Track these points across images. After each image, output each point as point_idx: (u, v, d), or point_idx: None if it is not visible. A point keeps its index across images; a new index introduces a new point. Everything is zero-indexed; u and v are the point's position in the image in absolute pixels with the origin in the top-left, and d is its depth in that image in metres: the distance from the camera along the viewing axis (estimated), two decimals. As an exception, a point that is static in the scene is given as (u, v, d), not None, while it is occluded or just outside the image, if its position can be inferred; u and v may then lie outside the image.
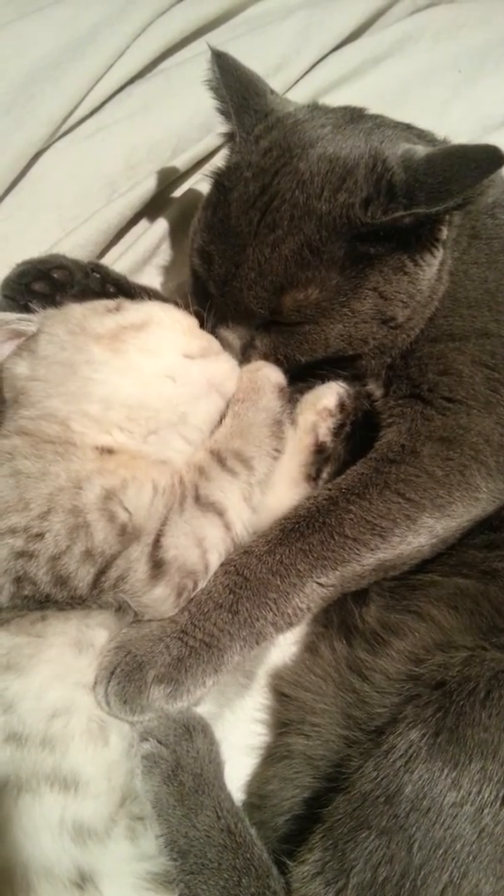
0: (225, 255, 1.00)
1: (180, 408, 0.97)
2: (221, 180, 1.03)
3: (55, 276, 1.11)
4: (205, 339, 1.03)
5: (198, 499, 0.91)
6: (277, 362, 1.05)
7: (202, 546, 0.90)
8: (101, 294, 1.12)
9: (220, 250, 1.00)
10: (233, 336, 1.05)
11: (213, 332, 1.05)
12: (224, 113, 1.09)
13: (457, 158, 0.89)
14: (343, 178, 0.94)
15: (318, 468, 1.03)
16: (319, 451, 1.02)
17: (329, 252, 0.95)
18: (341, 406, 1.07)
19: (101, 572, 0.85)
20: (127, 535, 0.86)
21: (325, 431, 1.04)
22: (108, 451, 0.93)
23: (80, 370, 0.95)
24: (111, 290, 1.16)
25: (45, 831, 0.76)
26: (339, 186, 0.94)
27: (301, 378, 1.08)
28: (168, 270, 1.34)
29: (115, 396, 0.94)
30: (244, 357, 1.06)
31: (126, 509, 0.87)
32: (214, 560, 0.92)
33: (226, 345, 1.05)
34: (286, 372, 1.05)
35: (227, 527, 0.92)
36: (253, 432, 0.98)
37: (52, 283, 1.10)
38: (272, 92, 1.12)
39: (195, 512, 0.90)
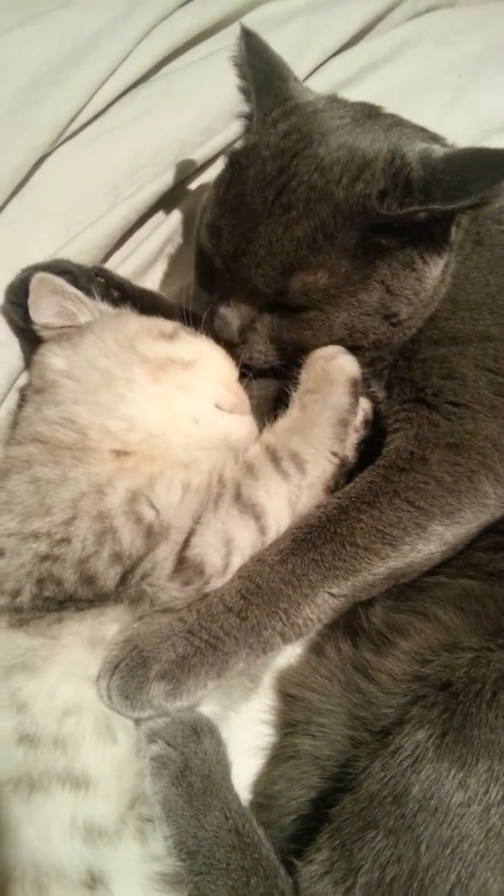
0: (235, 231, 0.99)
1: (193, 452, 0.98)
2: (237, 158, 1.03)
3: None
4: (238, 397, 1.05)
5: (238, 497, 0.91)
6: (277, 347, 1.05)
7: (228, 547, 0.90)
8: (105, 299, 1.12)
9: (231, 225, 1.00)
10: (233, 314, 1.04)
11: (214, 310, 1.05)
12: (245, 92, 1.09)
13: (475, 159, 0.90)
14: (362, 169, 0.95)
15: (336, 480, 1.03)
16: (342, 464, 1.02)
17: (342, 239, 0.95)
18: (366, 422, 1.07)
19: (129, 571, 0.86)
20: (154, 535, 0.86)
21: (350, 446, 1.03)
22: (124, 454, 0.94)
23: (115, 385, 0.96)
24: (115, 294, 1.16)
25: (56, 831, 0.77)
26: (358, 176, 0.94)
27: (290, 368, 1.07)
28: (172, 274, 1.35)
29: (139, 420, 0.96)
30: (241, 339, 1.05)
31: (153, 507, 0.88)
32: (237, 563, 0.92)
33: (225, 323, 1.04)
34: (281, 360, 1.05)
35: (262, 531, 0.93)
36: (315, 432, 0.97)
37: None
38: (295, 79, 1.12)
39: (232, 511, 0.90)
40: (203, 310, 1.10)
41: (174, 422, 0.98)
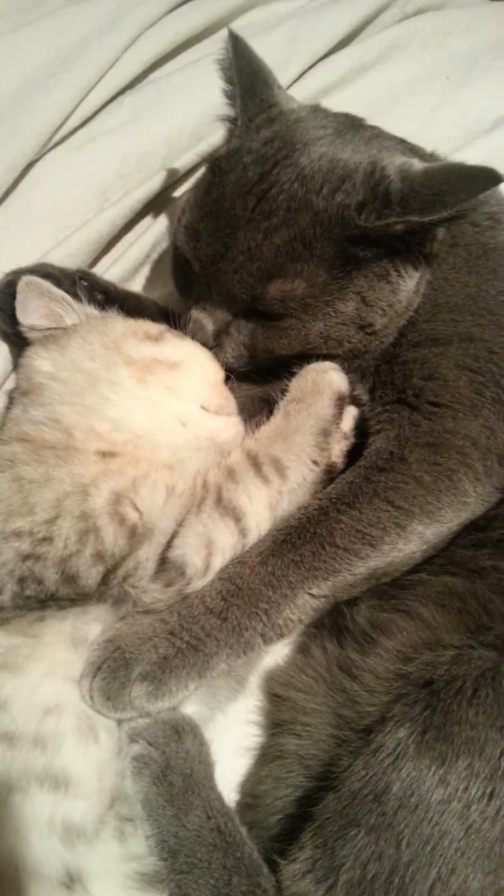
0: (214, 235, 0.99)
1: (180, 453, 0.98)
2: (219, 162, 1.03)
3: None
4: (224, 398, 1.06)
5: (219, 501, 0.92)
6: (251, 353, 1.05)
7: (209, 548, 0.90)
8: (90, 302, 1.12)
9: (210, 230, 1.00)
10: (208, 319, 1.05)
11: (188, 313, 1.06)
12: (229, 96, 1.10)
13: (453, 173, 0.91)
14: (342, 180, 0.96)
15: (324, 486, 1.03)
16: (330, 471, 1.02)
17: (320, 248, 0.96)
18: (354, 429, 1.07)
19: (111, 571, 0.86)
20: (137, 535, 0.87)
21: (338, 453, 1.04)
22: (110, 455, 0.94)
23: (100, 387, 0.97)
24: (99, 297, 1.17)
25: (34, 831, 0.77)
26: (338, 187, 0.95)
27: (268, 372, 1.09)
28: (159, 278, 1.35)
29: (125, 422, 0.96)
30: (216, 343, 1.06)
31: (137, 509, 0.88)
32: (217, 564, 0.92)
33: (199, 328, 1.05)
34: (254, 366, 1.06)
35: (243, 533, 0.93)
36: (297, 439, 0.98)
37: None
38: (279, 87, 1.13)
39: (212, 513, 0.91)
40: (181, 287, 1.11)
41: (160, 423, 0.99)
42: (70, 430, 0.95)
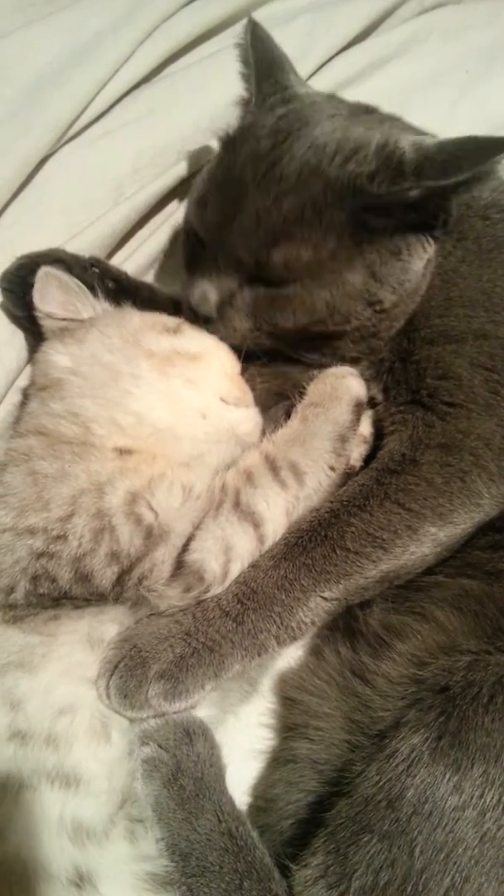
0: (223, 202, 1.00)
1: (201, 446, 0.98)
2: (232, 138, 1.04)
3: None
4: (242, 391, 1.05)
5: (237, 505, 0.91)
6: (255, 325, 1.04)
7: (228, 555, 0.89)
8: (101, 288, 1.12)
9: (219, 198, 1.01)
10: (211, 288, 1.04)
11: (193, 282, 1.06)
12: (246, 78, 1.12)
13: (467, 141, 0.92)
14: (355, 150, 0.96)
15: (338, 488, 1.01)
16: (348, 474, 1.01)
17: (330, 216, 0.96)
18: (372, 433, 1.07)
19: (126, 572, 0.85)
20: (153, 536, 0.86)
21: (357, 457, 1.03)
22: (127, 452, 0.94)
23: (122, 380, 0.96)
24: (110, 285, 1.16)
25: (43, 829, 0.77)
26: (351, 157, 0.96)
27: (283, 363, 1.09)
28: (173, 273, 1.34)
29: (148, 415, 0.96)
30: (220, 316, 1.05)
31: (152, 509, 0.87)
32: (235, 570, 0.91)
33: (202, 297, 1.04)
34: (256, 342, 1.06)
35: (261, 540, 0.92)
36: (315, 444, 0.97)
37: None
38: (296, 73, 1.14)
39: (231, 518, 0.90)
40: (190, 263, 1.11)
41: (182, 417, 0.98)
42: (89, 425, 0.95)
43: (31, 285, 1.05)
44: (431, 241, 1.01)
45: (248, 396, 1.06)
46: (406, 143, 0.94)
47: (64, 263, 1.11)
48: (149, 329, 1.02)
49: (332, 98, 1.10)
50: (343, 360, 1.07)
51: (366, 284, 0.99)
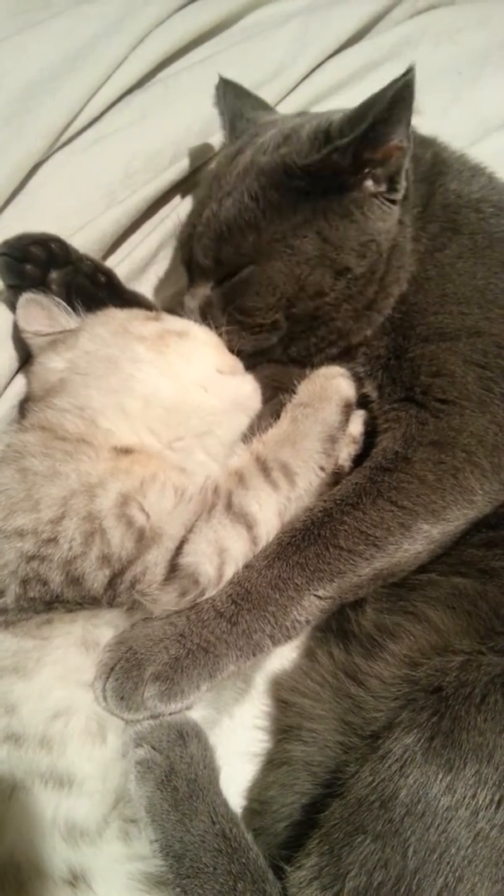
0: (189, 224, 1.12)
1: (208, 418, 1.00)
2: (206, 176, 1.14)
3: (52, 246, 1.13)
4: (233, 359, 1.07)
5: (230, 507, 0.91)
6: (230, 318, 1.08)
7: (221, 557, 0.89)
8: (92, 280, 1.17)
9: (187, 222, 1.13)
10: (190, 298, 1.12)
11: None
12: (222, 125, 1.25)
13: (372, 96, 0.96)
14: (288, 136, 1.04)
15: (329, 488, 1.02)
16: (337, 474, 1.02)
17: (267, 198, 1.03)
18: (363, 433, 1.08)
19: (117, 575, 0.85)
20: (145, 539, 0.86)
21: (345, 457, 1.04)
22: (125, 452, 0.94)
23: (123, 366, 0.99)
24: (102, 279, 1.18)
25: (36, 829, 0.77)
26: (283, 143, 1.04)
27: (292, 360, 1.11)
28: (166, 279, 1.35)
29: (154, 396, 0.98)
30: (204, 319, 1.09)
31: (144, 511, 0.87)
32: (230, 573, 0.91)
33: (188, 311, 1.11)
34: (239, 334, 1.08)
35: (254, 541, 0.92)
36: (305, 445, 0.97)
37: (48, 252, 1.12)
38: (266, 108, 1.27)
39: (223, 520, 0.90)
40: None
41: (185, 393, 1.00)
42: (96, 418, 0.96)
43: (30, 254, 1.10)
44: (389, 203, 1.04)
45: (239, 365, 1.08)
46: (336, 117, 1.00)
47: (62, 244, 1.14)
48: (133, 319, 1.06)
49: (300, 114, 1.19)
50: (346, 352, 1.10)
51: (321, 250, 1.02)
